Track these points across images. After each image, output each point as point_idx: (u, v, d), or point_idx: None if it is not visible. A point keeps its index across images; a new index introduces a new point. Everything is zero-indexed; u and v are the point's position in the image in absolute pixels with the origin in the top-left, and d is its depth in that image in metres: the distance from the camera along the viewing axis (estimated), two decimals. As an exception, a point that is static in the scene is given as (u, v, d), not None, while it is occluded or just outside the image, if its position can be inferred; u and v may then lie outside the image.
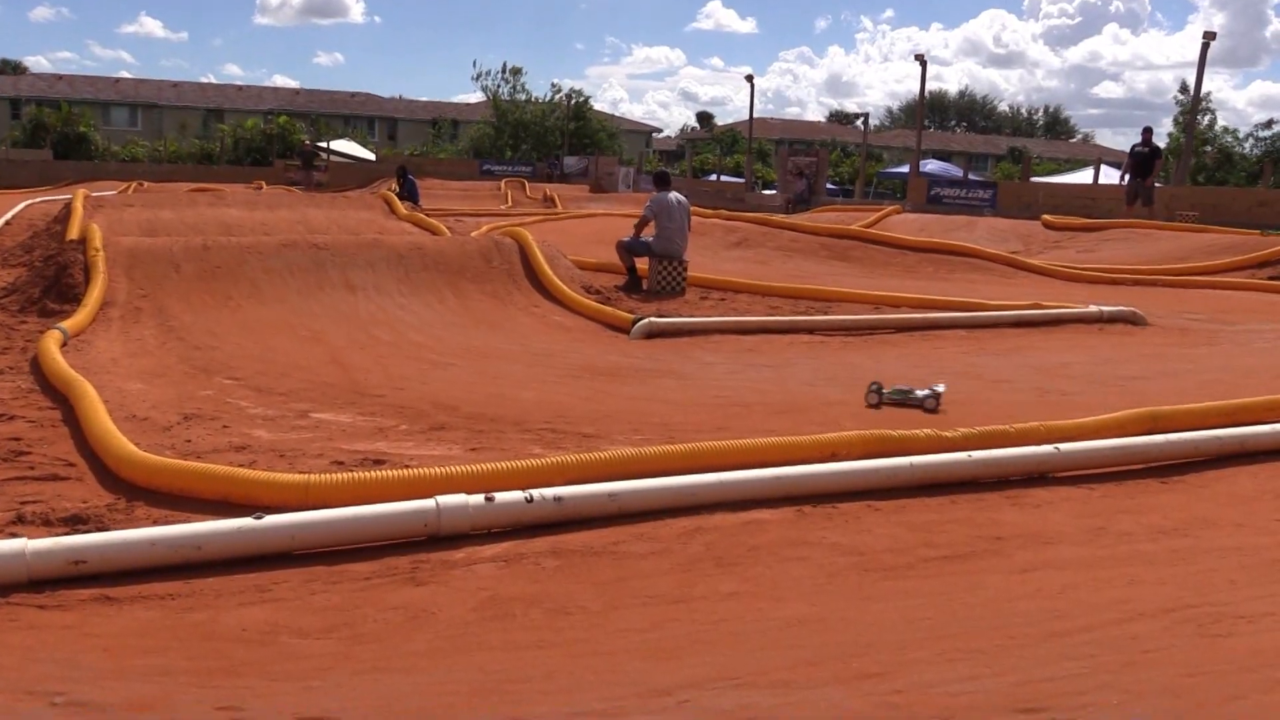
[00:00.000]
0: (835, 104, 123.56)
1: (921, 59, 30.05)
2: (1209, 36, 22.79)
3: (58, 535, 3.32)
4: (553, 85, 60.36)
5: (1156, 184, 20.35)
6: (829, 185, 36.26)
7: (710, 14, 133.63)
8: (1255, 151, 43.34)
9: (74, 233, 9.84)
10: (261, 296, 8.63)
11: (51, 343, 6.25)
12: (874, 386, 5.74)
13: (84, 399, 4.90)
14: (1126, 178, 19.94)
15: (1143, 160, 19.49)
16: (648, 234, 11.05)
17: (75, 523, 3.60)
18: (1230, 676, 2.54)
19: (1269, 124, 45.18)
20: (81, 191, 14.16)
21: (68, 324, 6.98)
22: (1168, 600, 3.07)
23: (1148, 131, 19.76)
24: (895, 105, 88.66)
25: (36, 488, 3.97)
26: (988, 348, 8.03)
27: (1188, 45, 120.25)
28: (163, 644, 2.76)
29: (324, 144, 45.11)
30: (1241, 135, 45.08)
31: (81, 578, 3.10)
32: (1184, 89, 43.21)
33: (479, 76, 56.70)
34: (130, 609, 2.98)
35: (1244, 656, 2.65)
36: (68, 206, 12.00)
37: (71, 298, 8.09)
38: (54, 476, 4.13)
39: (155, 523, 3.56)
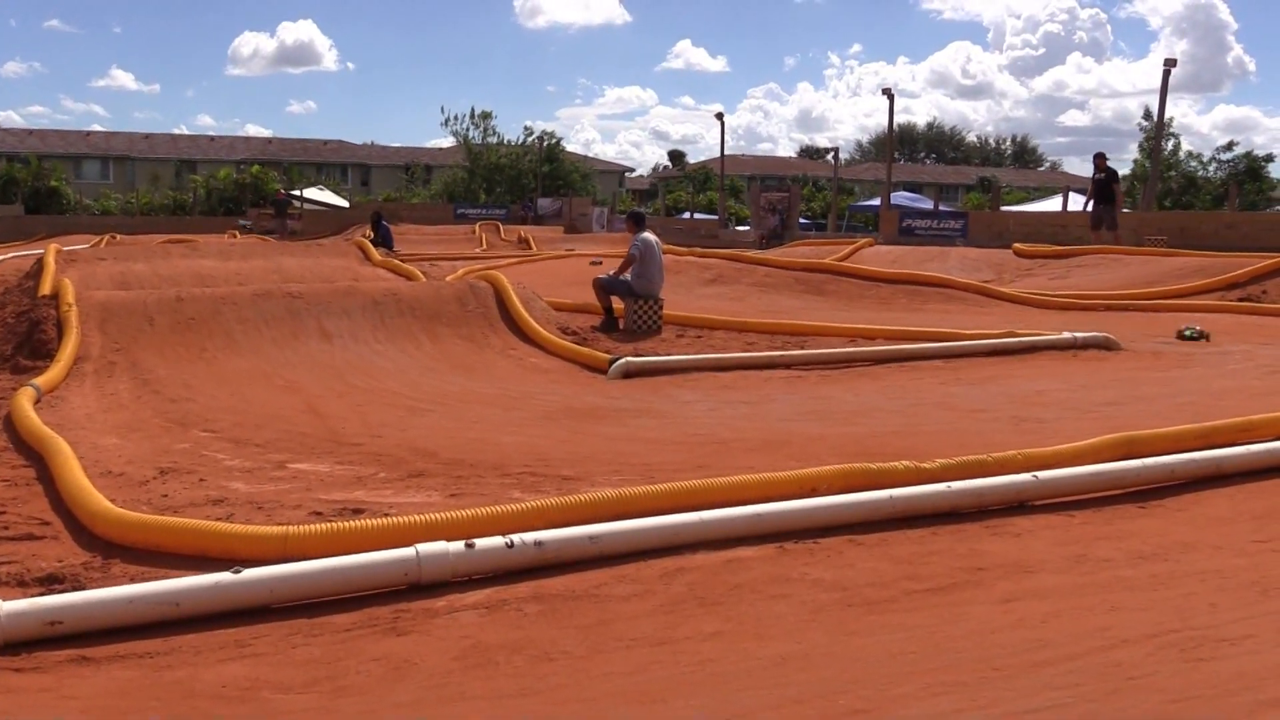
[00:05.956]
0: (806, 139, 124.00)
1: (889, 93, 30.45)
2: (1170, 63, 23.28)
3: (33, 596, 3.28)
4: (525, 128, 60.69)
5: (1124, 209, 20.50)
6: (802, 220, 36.54)
7: (680, 53, 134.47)
8: (1219, 175, 44.01)
9: (46, 288, 9.75)
10: (236, 347, 8.59)
11: (25, 400, 6.19)
12: None
13: (58, 456, 4.85)
14: (1090, 205, 19.98)
15: (1101, 186, 19.58)
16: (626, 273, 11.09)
17: (51, 582, 3.55)
18: (1216, 701, 2.55)
19: (1229, 146, 45.90)
20: (53, 246, 14.07)
21: (41, 380, 6.92)
22: (1150, 626, 3.08)
23: (1100, 157, 19.64)
24: (865, 139, 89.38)
25: (11, 548, 3.92)
26: (963, 377, 8.07)
27: (1151, 72, 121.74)
28: (142, 704, 2.73)
29: (297, 192, 45.14)
30: (1205, 159, 45.81)
31: (58, 638, 3.06)
32: (1148, 115, 43.90)
33: (448, 121, 56.84)
34: (108, 669, 2.94)
35: (1228, 680, 2.67)
36: (40, 262, 11.91)
37: (44, 354, 8.03)
38: (29, 536, 4.08)
39: (132, 580, 3.52)
